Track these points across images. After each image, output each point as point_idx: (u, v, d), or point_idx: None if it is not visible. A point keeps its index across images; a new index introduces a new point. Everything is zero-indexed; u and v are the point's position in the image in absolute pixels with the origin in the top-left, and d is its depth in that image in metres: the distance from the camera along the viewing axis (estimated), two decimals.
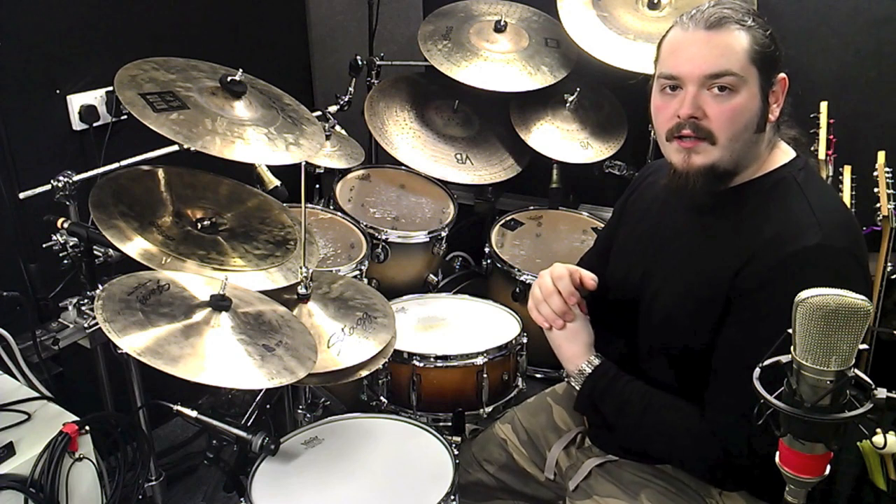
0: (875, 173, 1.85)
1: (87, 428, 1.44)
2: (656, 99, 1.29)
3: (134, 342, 1.25)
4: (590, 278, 1.41)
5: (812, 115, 1.97)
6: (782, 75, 1.25)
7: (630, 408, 1.34)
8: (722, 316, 1.24)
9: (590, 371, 1.38)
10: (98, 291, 1.35)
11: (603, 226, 2.41)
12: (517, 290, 2.21)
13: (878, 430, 1.39)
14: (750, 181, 1.28)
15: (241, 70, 1.67)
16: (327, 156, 2.22)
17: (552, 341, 1.43)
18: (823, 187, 1.32)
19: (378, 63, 2.60)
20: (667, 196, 1.42)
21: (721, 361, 1.24)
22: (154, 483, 1.75)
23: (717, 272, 1.25)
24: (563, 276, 1.41)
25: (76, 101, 2.08)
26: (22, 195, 1.70)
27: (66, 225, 1.58)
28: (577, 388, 1.39)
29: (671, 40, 1.26)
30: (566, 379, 1.44)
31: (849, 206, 1.92)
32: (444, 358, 1.80)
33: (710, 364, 1.27)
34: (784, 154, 1.30)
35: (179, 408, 1.45)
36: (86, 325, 1.62)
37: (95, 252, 1.61)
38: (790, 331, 0.85)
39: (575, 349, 1.40)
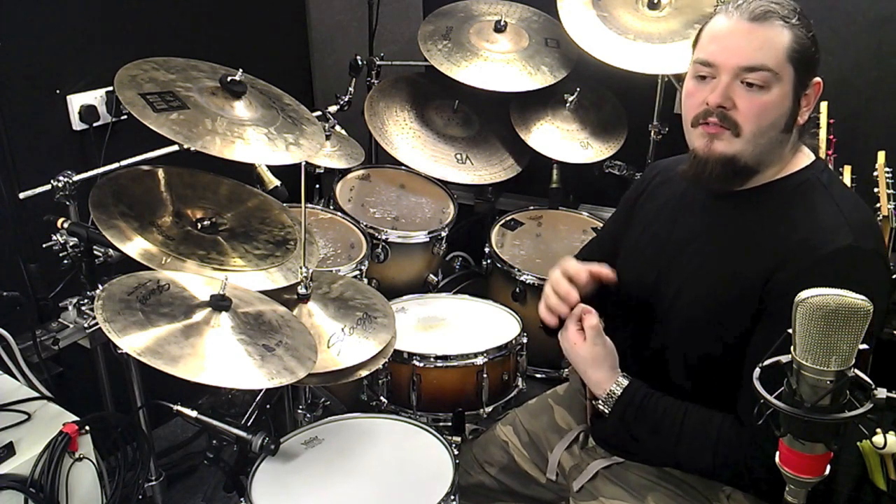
0: (875, 173, 1.85)
1: (87, 428, 1.44)
2: (689, 84, 1.28)
3: (134, 342, 1.25)
4: (608, 273, 1.39)
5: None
6: (817, 79, 1.24)
7: (665, 425, 1.30)
8: (753, 320, 1.22)
9: (619, 392, 1.34)
10: (98, 291, 1.35)
11: (602, 225, 2.42)
12: (517, 290, 2.21)
13: (878, 430, 1.39)
14: (772, 182, 1.27)
15: (241, 70, 1.66)
16: (327, 156, 2.22)
17: (577, 367, 1.40)
18: (846, 189, 1.31)
19: (378, 63, 2.60)
20: (681, 198, 1.41)
21: (754, 367, 1.22)
22: (154, 483, 1.75)
23: (744, 275, 1.23)
24: (575, 269, 1.40)
25: (76, 101, 2.08)
26: (22, 195, 1.70)
27: (66, 225, 1.58)
28: (607, 411, 1.35)
29: (713, 27, 1.26)
30: (594, 403, 1.40)
31: None
32: (444, 358, 1.80)
33: (729, 369, 1.25)
34: (806, 157, 1.30)
35: (179, 408, 1.45)
36: (86, 325, 1.62)
37: (95, 252, 1.61)
38: (790, 331, 0.85)
39: (601, 374, 1.36)
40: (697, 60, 1.26)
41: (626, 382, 1.35)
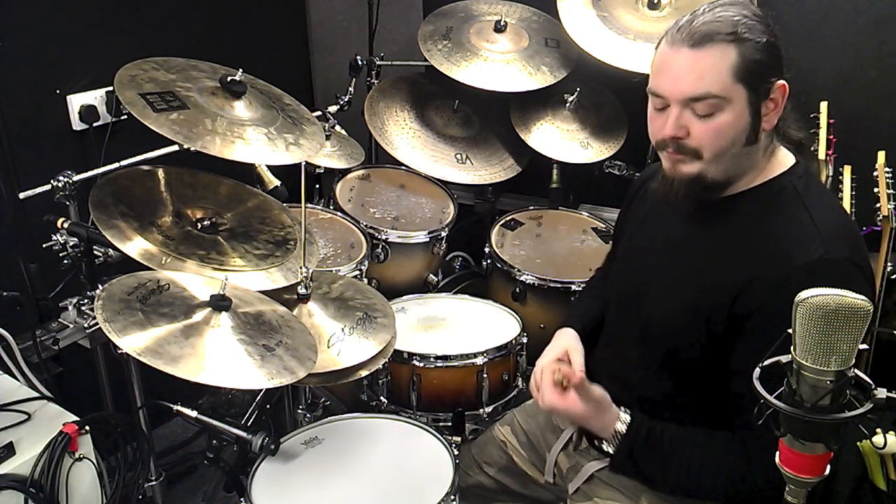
0: (875, 173, 1.85)
1: (87, 428, 1.44)
2: (650, 109, 1.29)
3: (134, 342, 1.25)
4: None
5: (812, 115, 1.97)
6: (781, 82, 1.22)
7: (674, 457, 1.30)
8: (724, 331, 1.23)
9: (624, 430, 1.32)
10: (98, 291, 1.35)
11: (604, 226, 2.43)
12: (517, 290, 2.21)
13: (878, 430, 1.39)
14: (747, 190, 1.27)
15: (241, 70, 1.66)
16: (327, 156, 2.22)
17: (575, 422, 1.39)
18: (823, 195, 1.31)
19: (378, 63, 2.60)
20: (662, 206, 1.41)
21: (741, 383, 1.18)
22: (154, 483, 1.75)
23: (717, 286, 1.24)
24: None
25: (76, 101, 2.08)
26: (22, 195, 1.70)
27: (66, 225, 1.58)
28: (612, 450, 1.34)
29: (659, 56, 1.25)
30: (597, 443, 1.39)
31: (849, 206, 1.92)
32: (444, 358, 1.80)
33: (707, 373, 1.27)
34: (783, 162, 1.29)
35: (179, 408, 1.45)
36: (86, 325, 1.62)
37: (95, 252, 1.61)
38: (790, 331, 0.85)
39: (602, 421, 1.34)
40: (649, 90, 1.26)
41: (628, 418, 1.33)
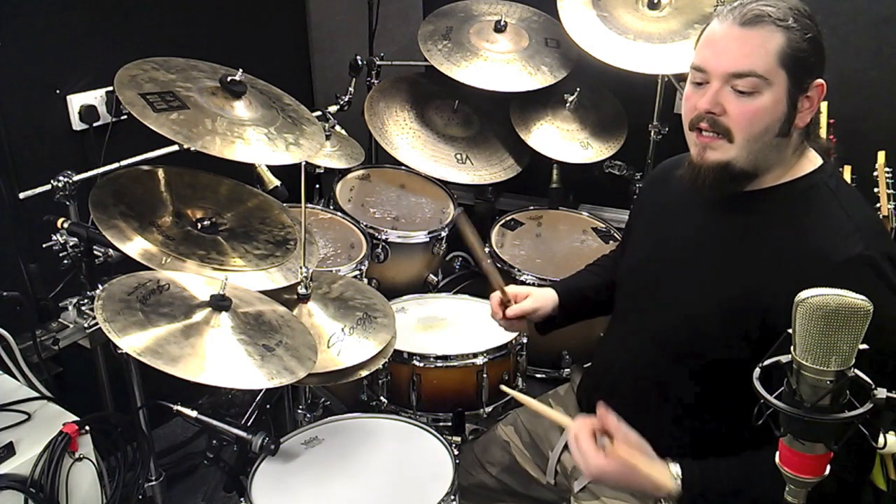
0: (875, 173, 1.85)
1: (87, 428, 1.44)
2: (688, 88, 1.28)
3: (134, 342, 1.25)
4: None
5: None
6: (820, 81, 1.22)
7: (735, 487, 1.21)
8: (760, 329, 1.19)
9: (679, 484, 1.19)
10: (98, 291, 1.35)
11: (604, 226, 2.43)
12: None
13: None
14: (777, 185, 1.26)
15: (241, 70, 1.66)
16: (327, 156, 2.22)
17: (627, 482, 1.22)
18: (854, 194, 1.29)
19: (378, 63, 2.60)
20: (681, 199, 1.39)
21: None
22: (154, 483, 1.75)
23: (750, 282, 1.21)
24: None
25: (76, 101, 2.08)
26: (22, 195, 1.70)
27: (66, 225, 1.58)
28: None
29: (707, 31, 1.25)
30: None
31: None
32: (444, 358, 1.80)
33: (736, 377, 1.22)
34: (812, 162, 1.28)
35: (179, 408, 1.45)
36: (86, 325, 1.62)
37: (95, 252, 1.61)
38: (790, 331, 0.84)
39: (653, 469, 1.20)
40: (692, 65, 1.25)
41: (679, 470, 1.21)
